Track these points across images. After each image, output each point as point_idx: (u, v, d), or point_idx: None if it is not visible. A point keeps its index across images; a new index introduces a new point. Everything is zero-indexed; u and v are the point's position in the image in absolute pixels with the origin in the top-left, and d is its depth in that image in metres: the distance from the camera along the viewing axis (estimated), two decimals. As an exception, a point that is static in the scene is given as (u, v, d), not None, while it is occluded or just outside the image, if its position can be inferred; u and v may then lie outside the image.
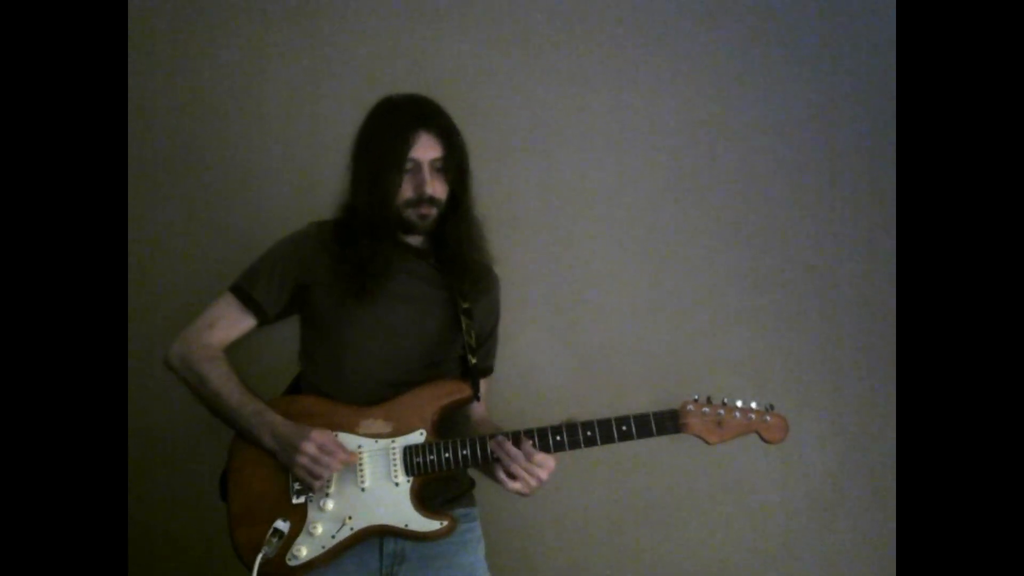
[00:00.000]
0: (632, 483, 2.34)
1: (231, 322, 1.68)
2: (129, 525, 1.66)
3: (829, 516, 2.36)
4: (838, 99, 2.44)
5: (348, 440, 1.58)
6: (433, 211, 1.67)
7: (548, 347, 2.38)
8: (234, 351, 1.70)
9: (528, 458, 1.52)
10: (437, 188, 1.67)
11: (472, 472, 1.76)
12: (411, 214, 1.66)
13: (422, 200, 1.65)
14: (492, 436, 1.56)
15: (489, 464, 1.57)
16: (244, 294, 1.67)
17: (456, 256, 1.71)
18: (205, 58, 2.46)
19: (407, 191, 1.65)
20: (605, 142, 2.45)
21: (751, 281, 2.42)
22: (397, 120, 1.67)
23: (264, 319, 1.69)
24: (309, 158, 2.37)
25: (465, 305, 1.71)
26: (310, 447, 1.51)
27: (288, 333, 1.76)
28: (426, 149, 1.65)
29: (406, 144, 1.64)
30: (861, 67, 2.43)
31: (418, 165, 1.65)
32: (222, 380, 1.62)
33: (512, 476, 1.53)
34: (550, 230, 2.42)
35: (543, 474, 1.54)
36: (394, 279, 1.67)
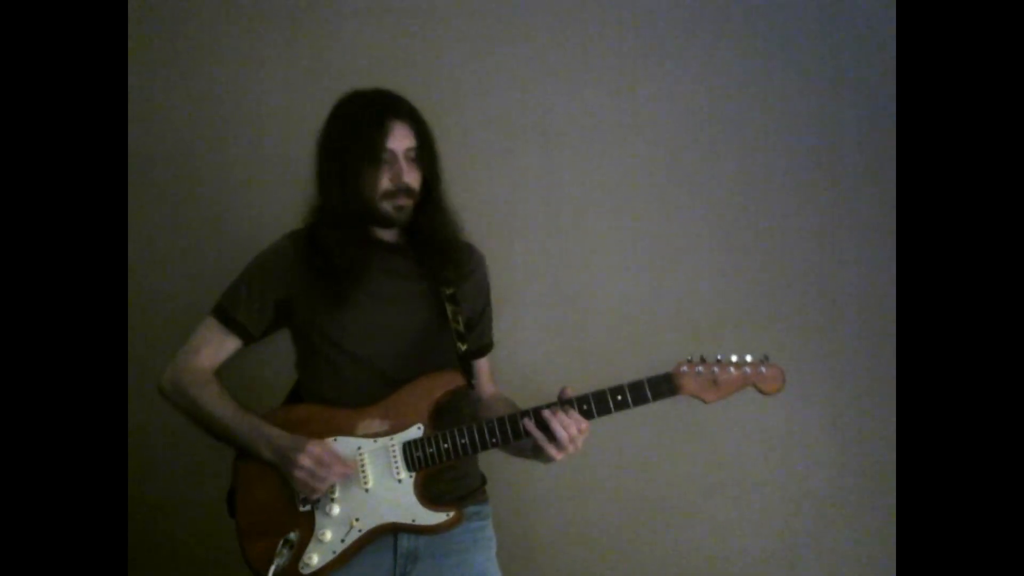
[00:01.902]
0: (634, 483, 2.34)
1: (216, 346, 1.67)
2: (130, 532, 1.66)
3: (829, 516, 2.36)
4: (838, 99, 2.44)
5: (347, 443, 1.58)
6: (409, 202, 1.67)
7: (548, 344, 2.39)
8: (230, 363, 1.70)
9: (578, 427, 1.53)
10: (412, 178, 1.66)
11: (484, 469, 1.76)
12: (387, 207, 1.66)
13: (399, 191, 1.65)
14: (524, 414, 1.56)
15: (504, 445, 1.57)
16: (226, 316, 1.67)
17: (432, 244, 1.70)
18: (205, 58, 2.46)
19: (384, 183, 1.65)
20: (605, 141, 2.45)
21: (751, 279, 2.42)
22: (369, 112, 1.66)
23: (249, 339, 1.68)
24: (308, 158, 2.36)
25: (449, 292, 1.70)
26: (306, 460, 1.51)
27: (284, 343, 1.76)
28: (401, 139, 1.65)
29: (382, 134, 1.63)
30: (861, 67, 2.43)
31: (394, 155, 1.65)
32: (214, 401, 1.62)
33: (557, 445, 1.53)
34: (550, 228, 2.42)
35: (580, 441, 1.54)
36: (373, 280, 1.67)
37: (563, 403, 1.55)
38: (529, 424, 1.54)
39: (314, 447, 1.53)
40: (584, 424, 1.53)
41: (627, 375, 2.34)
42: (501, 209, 2.36)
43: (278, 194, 2.38)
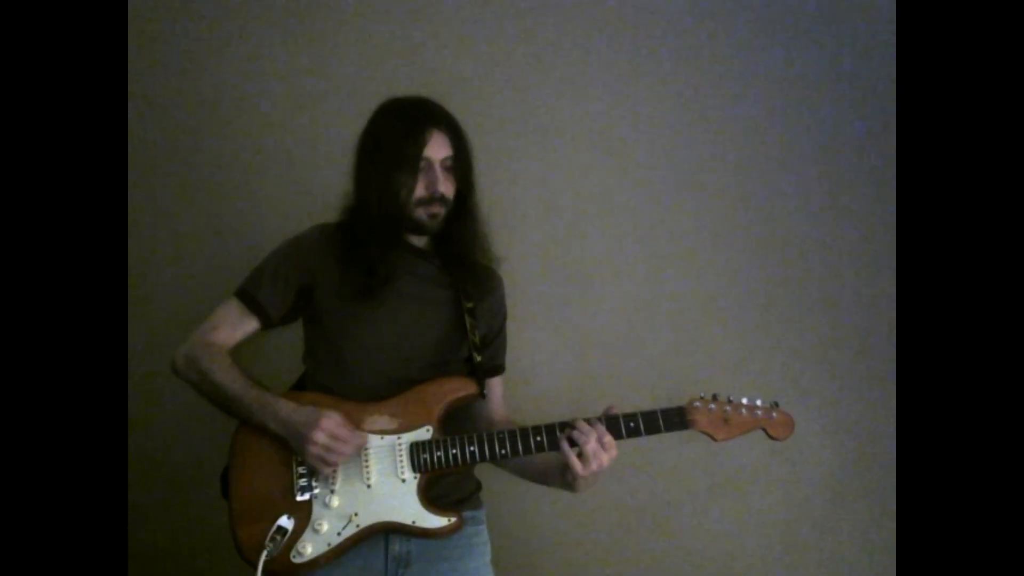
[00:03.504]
0: (634, 485, 2.34)
1: (234, 324, 1.67)
2: (129, 526, 1.66)
3: (829, 516, 2.36)
4: (838, 99, 2.44)
5: None
6: (442, 211, 1.67)
7: (549, 346, 2.38)
8: (238, 353, 1.69)
9: (600, 439, 1.52)
10: (447, 187, 1.67)
11: (479, 474, 1.76)
12: (421, 213, 1.66)
13: (434, 199, 1.65)
14: (562, 427, 1.54)
15: (518, 457, 1.56)
16: (248, 297, 1.67)
17: (460, 256, 1.72)
18: (205, 58, 2.46)
19: (419, 190, 1.65)
20: (605, 142, 2.45)
21: (751, 281, 2.42)
22: (409, 120, 1.67)
23: (268, 322, 1.68)
24: (308, 158, 2.37)
25: (469, 305, 1.71)
26: (320, 436, 1.49)
27: (293, 334, 1.76)
28: (438, 148, 1.66)
29: (420, 142, 1.64)
30: (861, 67, 2.43)
31: (430, 164, 1.66)
32: (223, 372, 1.60)
33: (583, 457, 1.51)
34: (551, 229, 2.43)
35: (605, 458, 1.52)
36: (399, 280, 1.67)
37: (561, 424, 1.55)
38: (563, 441, 1.52)
39: (328, 421, 1.51)
40: (608, 439, 1.52)
41: (626, 378, 2.36)
42: (501, 209, 2.36)
43: (278, 194, 2.39)
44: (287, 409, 1.55)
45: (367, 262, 1.64)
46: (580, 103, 2.45)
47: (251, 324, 1.68)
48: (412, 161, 1.64)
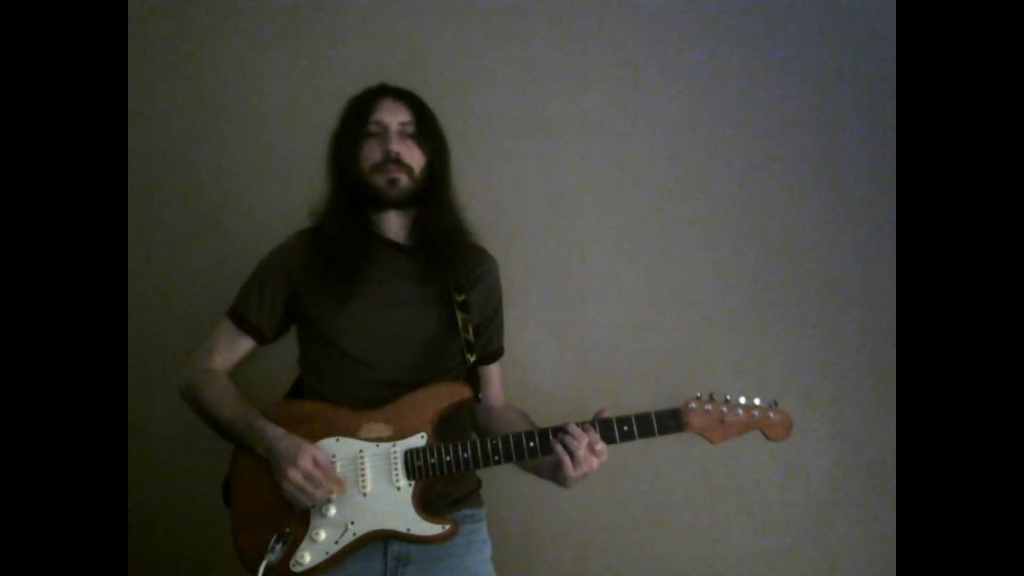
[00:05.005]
0: (633, 484, 2.34)
1: (229, 346, 1.68)
2: (129, 530, 1.66)
3: (829, 516, 2.36)
4: (838, 99, 2.44)
5: (349, 444, 1.57)
6: (403, 176, 1.64)
7: (548, 347, 2.38)
8: (239, 363, 1.71)
9: (591, 446, 1.51)
10: (405, 151, 1.65)
11: (479, 472, 1.75)
12: (379, 179, 1.64)
13: (388, 160, 1.63)
14: (555, 431, 1.54)
15: (521, 460, 1.56)
16: (239, 317, 1.68)
17: (442, 244, 1.68)
18: (205, 58, 2.46)
19: (373, 154, 1.65)
20: (605, 142, 2.45)
21: (751, 281, 2.41)
22: (362, 94, 1.72)
23: (261, 339, 1.69)
24: (308, 158, 2.36)
25: (460, 298, 1.68)
26: (296, 476, 1.49)
27: (289, 338, 1.76)
28: (391, 112, 1.67)
29: (369, 107, 1.67)
30: (861, 67, 2.43)
31: (383, 127, 1.65)
32: (216, 397, 1.62)
33: (574, 460, 1.51)
34: (550, 230, 2.42)
35: (595, 463, 1.52)
36: (378, 279, 1.65)
37: (554, 429, 1.55)
38: (558, 444, 1.52)
39: (305, 461, 1.50)
40: (600, 446, 1.51)
41: (626, 379, 2.36)
42: (501, 209, 2.36)
43: (278, 194, 2.39)
44: (273, 436, 1.54)
45: (336, 256, 1.63)
46: (580, 103, 2.45)
47: (246, 344, 1.69)
48: (362, 125, 1.65)
